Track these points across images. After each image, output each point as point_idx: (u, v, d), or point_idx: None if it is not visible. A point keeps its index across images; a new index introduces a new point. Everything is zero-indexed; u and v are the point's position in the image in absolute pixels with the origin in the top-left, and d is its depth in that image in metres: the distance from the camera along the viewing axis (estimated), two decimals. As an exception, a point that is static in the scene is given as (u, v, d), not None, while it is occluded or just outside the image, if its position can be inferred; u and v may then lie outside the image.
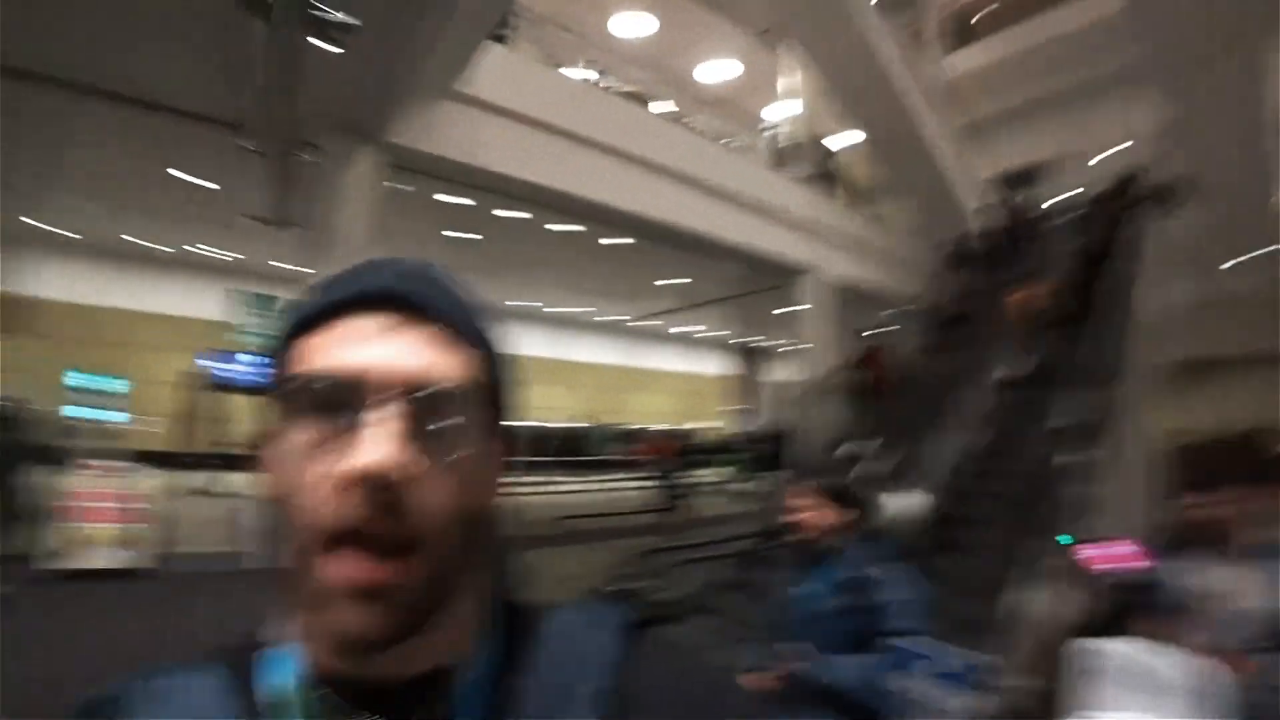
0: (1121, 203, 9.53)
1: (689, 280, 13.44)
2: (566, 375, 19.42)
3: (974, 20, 15.47)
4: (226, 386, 11.11)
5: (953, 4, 15.87)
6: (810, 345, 11.12)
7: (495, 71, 7.83)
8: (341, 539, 0.37)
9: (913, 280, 11.24)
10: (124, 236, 12.09)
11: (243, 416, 10.79)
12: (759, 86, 14.29)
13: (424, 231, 10.17)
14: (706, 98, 14.12)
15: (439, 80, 6.81)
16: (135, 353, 12.89)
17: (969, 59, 14.55)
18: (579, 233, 10.22)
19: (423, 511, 0.38)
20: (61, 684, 2.82)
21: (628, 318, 18.27)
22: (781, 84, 12.99)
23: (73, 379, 9.03)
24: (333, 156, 6.29)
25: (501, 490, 0.46)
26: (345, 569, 0.37)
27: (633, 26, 13.27)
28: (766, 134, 13.02)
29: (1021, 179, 13.60)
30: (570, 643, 0.44)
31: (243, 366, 10.67)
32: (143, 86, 6.04)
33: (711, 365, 21.82)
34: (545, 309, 17.36)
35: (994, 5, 15.16)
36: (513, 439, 0.47)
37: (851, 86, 9.74)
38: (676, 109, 11.79)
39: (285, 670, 0.42)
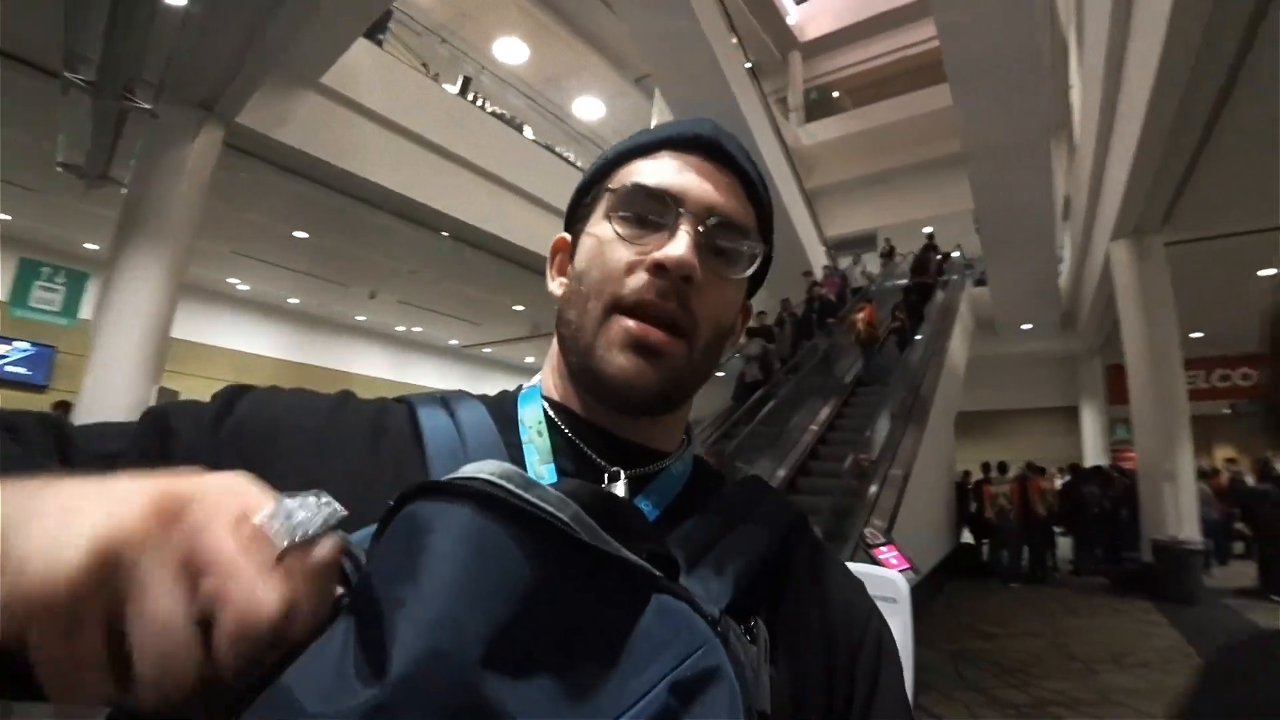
0: (931, 260, 11.00)
1: (541, 309, 13.19)
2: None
3: (835, 95, 17.10)
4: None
5: (815, 78, 17.48)
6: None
7: (367, 72, 7.64)
8: (635, 308, 0.45)
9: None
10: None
11: None
12: (628, 128, 14.78)
13: (254, 220, 9.36)
14: (578, 133, 14.35)
15: (301, 69, 6.54)
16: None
17: (824, 130, 15.93)
18: (430, 243, 9.80)
19: (700, 307, 0.47)
20: None
21: (472, 342, 17.22)
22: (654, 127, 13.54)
23: None
24: (169, 124, 5.70)
25: (742, 328, 0.56)
26: (636, 327, 0.45)
27: (514, 53, 13.32)
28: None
29: (855, 243, 15.03)
30: (747, 502, 0.48)
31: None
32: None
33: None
34: (378, 325, 15.84)
35: (856, 83, 16.82)
36: (751, 291, 0.55)
37: None
38: (546, 139, 11.84)
39: (535, 404, 0.50)
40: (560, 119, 13.65)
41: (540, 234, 9.39)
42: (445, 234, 9.42)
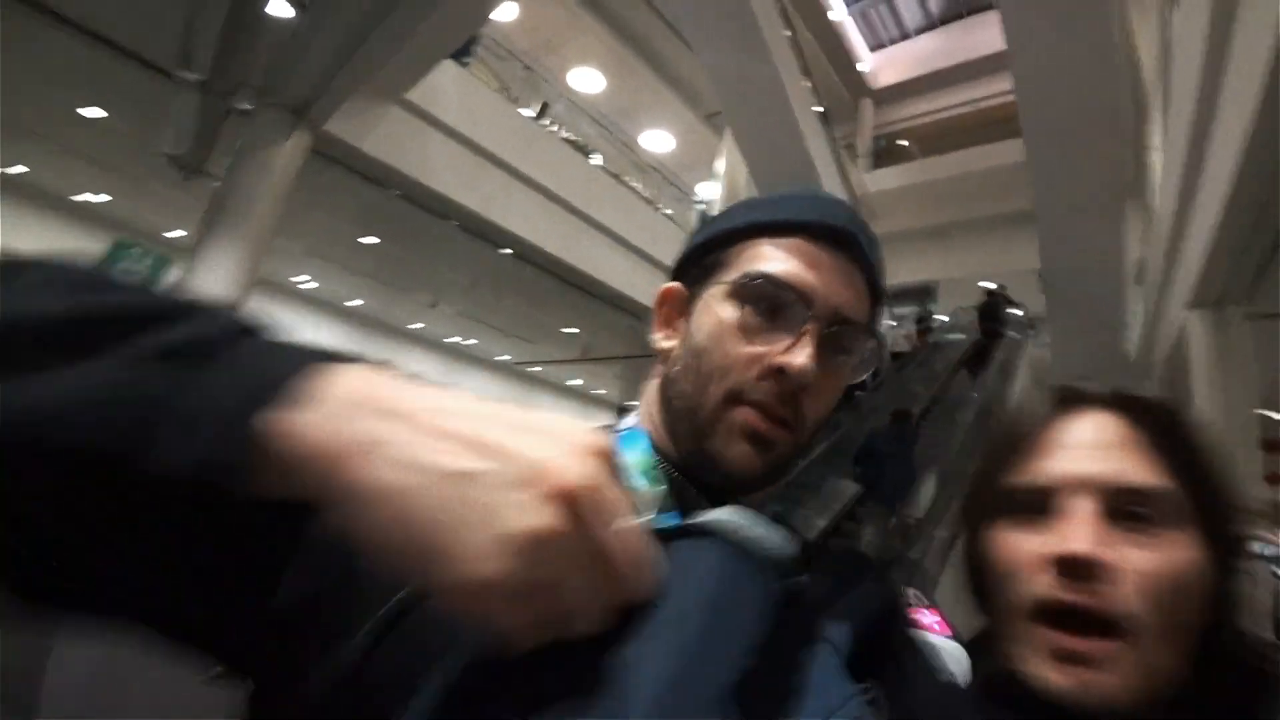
0: (992, 314, 10.71)
1: (592, 334, 13.41)
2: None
3: (903, 143, 17.02)
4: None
5: (884, 125, 17.45)
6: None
7: (449, 90, 8.03)
8: (753, 403, 0.47)
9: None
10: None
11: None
12: (697, 162, 15.01)
13: (327, 223, 9.84)
14: (645, 163, 14.65)
15: (388, 84, 6.90)
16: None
17: (889, 178, 15.84)
18: (491, 258, 10.09)
19: (810, 407, 0.48)
20: None
21: (523, 360, 17.62)
22: (719, 165, 13.72)
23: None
24: (264, 126, 6.11)
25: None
26: (756, 421, 0.46)
27: (591, 82, 13.75)
28: (698, 208, 13.56)
29: (917, 294, 14.77)
30: (852, 570, 0.51)
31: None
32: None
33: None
34: (434, 333, 16.36)
35: (925, 133, 16.73)
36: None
37: (778, 183, 10.28)
38: (614, 167, 12.14)
39: (640, 445, 0.50)
40: (629, 148, 13.98)
41: (601, 260, 9.59)
42: (507, 250, 9.70)
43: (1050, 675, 0.43)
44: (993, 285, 11.58)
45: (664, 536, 0.33)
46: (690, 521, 0.35)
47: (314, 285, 13.58)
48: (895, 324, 13.04)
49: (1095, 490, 0.45)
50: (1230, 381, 7.38)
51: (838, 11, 16.34)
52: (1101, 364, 12.07)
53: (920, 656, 0.47)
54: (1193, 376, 7.82)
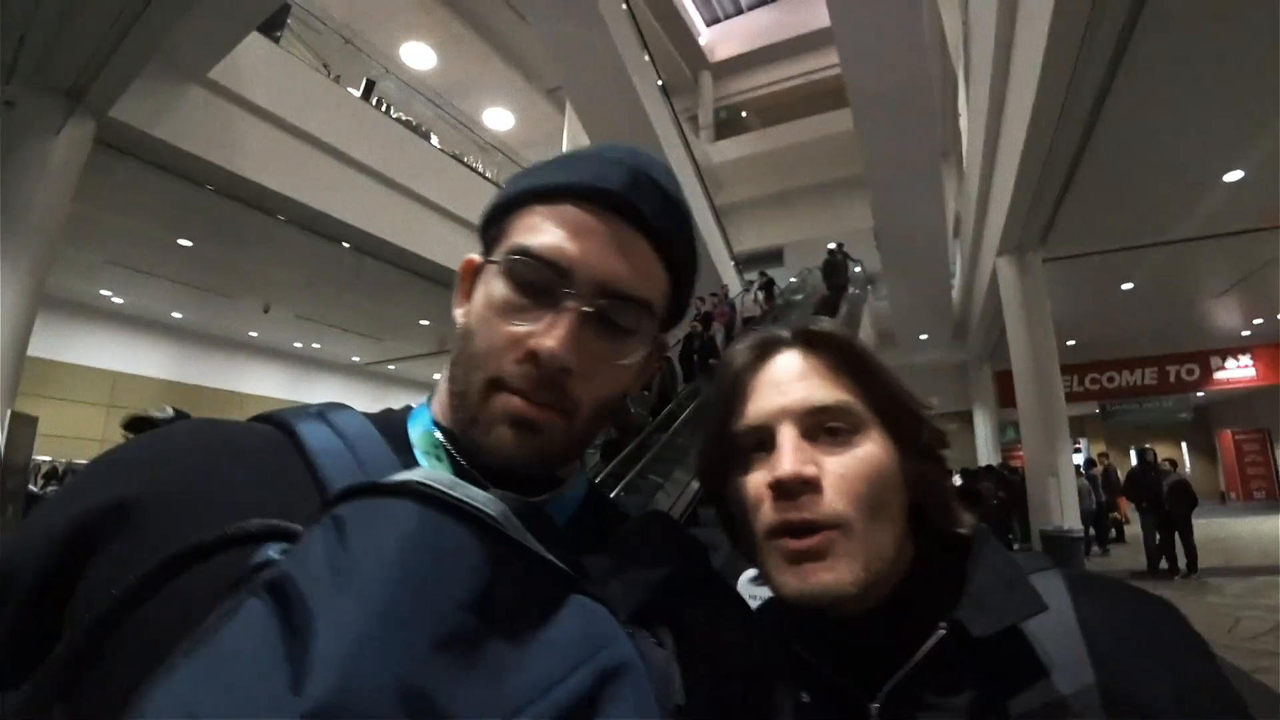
0: (834, 270, 11.57)
1: (448, 324, 12.72)
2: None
3: (743, 115, 17.66)
4: None
5: (724, 98, 17.99)
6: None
7: (259, 69, 7.17)
8: (507, 387, 0.44)
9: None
10: None
11: None
12: (540, 139, 14.68)
13: (131, 226, 8.54)
14: (487, 142, 14.07)
15: (185, 61, 6.05)
16: None
17: (732, 149, 16.41)
18: (329, 253, 9.23)
19: (582, 391, 0.45)
20: None
21: (375, 359, 16.30)
22: (565, 142, 13.44)
23: None
24: (27, 113, 5.08)
25: (642, 381, 0.53)
26: (516, 405, 0.43)
27: (421, 58, 12.94)
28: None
29: (763, 258, 15.52)
30: (649, 531, 0.48)
31: None
32: None
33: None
34: (274, 341, 14.78)
35: (764, 104, 17.43)
36: (663, 345, 0.54)
37: None
38: (454, 148, 11.53)
39: (422, 423, 0.49)
40: (469, 128, 13.33)
41: (448, 246, 9.09)
42: (346, 244, 8.93)
43: (788, 580, 0.48)
44: (833, 245, 12.41)
45: (351, 494, 0.32)
46: (379, 481, 0.32)
47: (121, 300, 11.83)
48: (746, 290, 13.59)
49: (792, 417, 0.51)
50: (1034, 316, 8.41)
51: (673, -16, 16.53)
52: (932, 309, 13.41)
53: (724, 604, 0.49)
54: (1006, 314, 8.85)
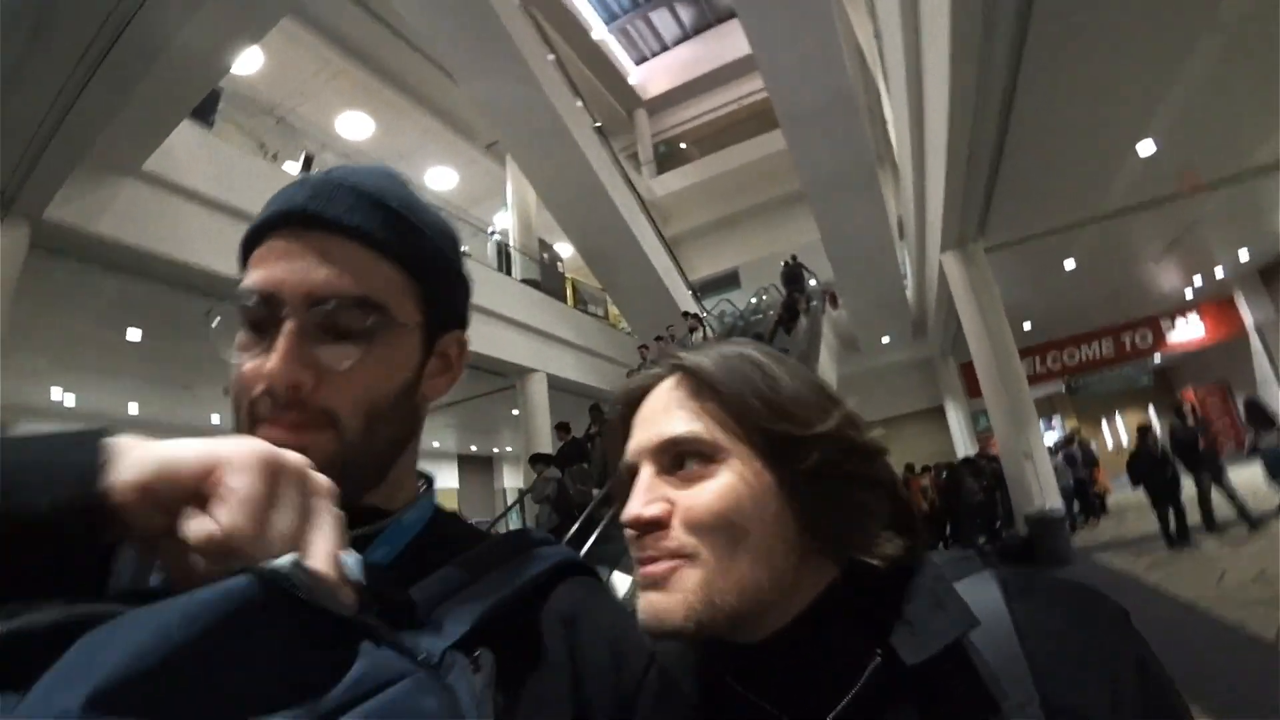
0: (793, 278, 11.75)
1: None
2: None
3: (682, 146, 18.06)
4: None
5: (661, 133, 18.41)
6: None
7: (195, 155, 7.13)
8: (260, 420, 0.45)
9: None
10: None
11: None
12: (485, 194, 14.81)
13: (75, 327, 8.35)
14: (432, 203, 14.13)
15: (117, 157, 5.98)
16: None
17: (675, 180, 16.72)
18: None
19: (334, 400, 0.45)
20: None
21: None
22: (510, 194, 13.53)
23: None
24: None
25: (430, 377, 0.54)
26: (266, 436, 0.40)
27: (359, 128, 13.04)
28: (494, 238, 13.25)
29: (721, 282, 15.70)
30: (503, 551, 0.49)
31: None
32: None
33: (442, 478, 19.28)
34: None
35: (700, 134, 17.84)
36: (441, 327, 0.54)
37: (569, 202, 10.07)
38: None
39: None
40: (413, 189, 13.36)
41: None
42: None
43: (638, 608, 0.48)
44: (788, 259, 12.64)
45: None
46: None
47: (73, 403, 11.48)
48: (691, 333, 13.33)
49: (649, 454, 0.51)
50: (986, 305, 8.64)
51: (598, 31, 17.00)
52: (890, 312, 13.68)
53: (586, 611, 0.51)
54: (958, 307, 9.07)
